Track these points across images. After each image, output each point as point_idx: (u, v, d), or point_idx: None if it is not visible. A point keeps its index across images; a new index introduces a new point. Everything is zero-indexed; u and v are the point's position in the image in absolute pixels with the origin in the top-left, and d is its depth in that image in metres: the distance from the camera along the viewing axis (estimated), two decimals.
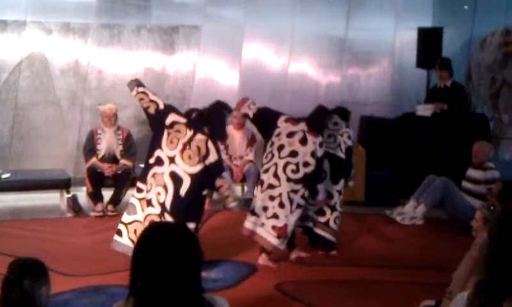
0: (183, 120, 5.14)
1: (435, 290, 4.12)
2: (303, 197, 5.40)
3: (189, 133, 5.05)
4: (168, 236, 2.18)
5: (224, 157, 7.97)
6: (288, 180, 5.34)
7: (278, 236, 5.30)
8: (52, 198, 7.68)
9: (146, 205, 5.03)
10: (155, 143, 5.18)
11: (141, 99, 5.43)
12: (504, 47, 9.18)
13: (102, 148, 7.59)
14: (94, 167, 7.49)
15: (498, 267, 2.22)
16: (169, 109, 5.30)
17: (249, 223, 5.45)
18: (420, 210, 7.02)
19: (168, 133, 5.09)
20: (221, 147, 7.95)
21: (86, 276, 5.08)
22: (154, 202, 4.97)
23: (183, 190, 4.93)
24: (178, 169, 4.97)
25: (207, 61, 9.27)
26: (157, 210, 4.94)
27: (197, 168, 4.98)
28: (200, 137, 5.04)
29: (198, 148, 5.00)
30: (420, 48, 9.01)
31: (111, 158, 7.60)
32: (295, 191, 5.35)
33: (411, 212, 7.07)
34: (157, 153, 5.09)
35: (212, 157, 5.04)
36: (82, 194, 7.67)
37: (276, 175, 5.38)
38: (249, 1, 9.33)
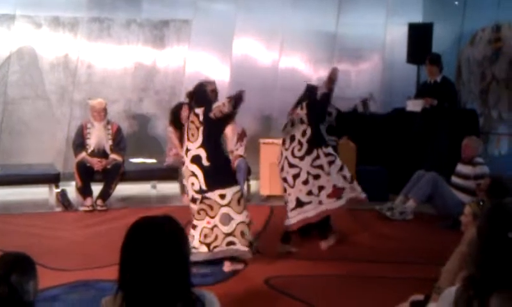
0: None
1: (424, 285, 4.14)
2: (323, 153, 5.72)
3: (189, 119, 5.34)
4: (156, 231, 2.18)
5: None
6: (302, 158, 5.70)
7: (339, 197, 5.68)
8: (41, 193, 7.66)
9: (193, 203, 5.25)
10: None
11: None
12: (494, 43, 9.20)
13: (92, 142, 7.57)
14: (83, 162, 7.46)
15: (486, 261, 2.22)
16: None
17: (300, 215, 5.66)
18: (409, 205, 7.04)
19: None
20: None
21: (74, 271, 5.07)
22: (195, 195, 5.21)
23: (204, 161, 5.16)
24: (192, 152, 5.22)
25: (198, 55, 9.26)
26: (198, 200, 5.17)
27: (200, 136, 5.20)
28: (192, 114, 5.31)
29: (192, 121, 5.27)
30: (411, 44, 9.03)
31: (101, 153, 7.58)
32: (314, 159, 5.69)
33: (400, 207, 7.09)
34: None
35: (201, 112, 5.24)
36: (71, 189, 7.65)
37: (291, 165, 5.74)
38: None
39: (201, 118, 5.23)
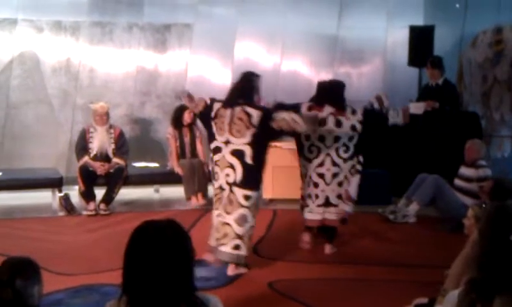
0: (220, 104, 5.32)
1: (428, 288, 4.14)
2: (359, 163, 5.92)
3: (228, 112, 5.20)
4: (160, 235, 2.18)
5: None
6: (345, 160, 5.82)
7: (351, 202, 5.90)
8: (44, 197, 7.66)
9: (219, 191, 5.20)
10: (210, 138, 5.37)
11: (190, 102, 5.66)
12: (495, 45, 9.20)
13: (94, 146, 7.57)
14: (86, 166, 7.47)
15: (489, 264, 2.22)
16: (213, 100, 5.45)
17: (324, 214, 5.81)
18: (412, 208, 7.03)
19: (215, 123, 5.26)
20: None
21: (78, 275, 5.07)
22: (224, 185, 5.17)
23: (248, 159, 5.12)
24: (235, 146, 5.14)
25: (199, 59, 9.27)
26: (226, 191, 5.15)
27: (248, 135, 5.12)
28: (237, 109, 5.17)
29: (240, 119, 5.14)
30: (412, 47, 9.02)
31: (103, 157, 7.59)
32: (353, 165, 5.87)
33: (403, 210, 7.08)
34: (213, 145, 5.28)
35: (256, 115, 5.13)
36: (74, 193, 7.65)
37: (334, 163, 5.77)
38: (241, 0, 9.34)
39: (254, 120, 5.11)
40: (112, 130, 7.71)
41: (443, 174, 7.18)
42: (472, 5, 9.81)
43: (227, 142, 5.17)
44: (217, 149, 5.23)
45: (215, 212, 5.26)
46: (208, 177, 7.80)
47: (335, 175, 5.78)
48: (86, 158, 7.51)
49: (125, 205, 7.85)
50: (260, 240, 6.10)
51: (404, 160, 8.34)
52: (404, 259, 5.68)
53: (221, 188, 5.20)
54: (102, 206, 7.35)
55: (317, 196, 5.82)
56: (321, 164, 5.79)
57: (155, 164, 8.46)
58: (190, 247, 2.25)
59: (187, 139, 8.08)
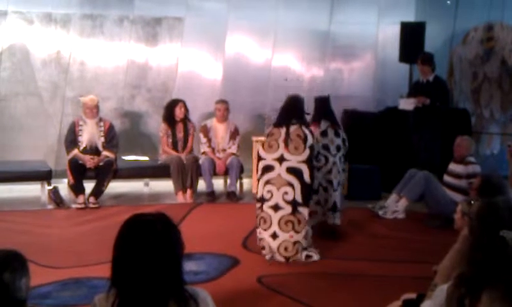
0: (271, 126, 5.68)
1: (416, 283, 4.15)
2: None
3: (283, 130, 5.45)
4: (149, 228, 2.18)
5: (206, 149, 7.99)
6: (344, 170, 6.52)
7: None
8: (33, 190, 7.63)
9: (273, 211, 5.35)
10: (258, 159, 5.61)
11: None
12: (486, 42, 9.24)
13: (84, 139, 7.54)
14: (75, 159, 7.43)
15: (477, 259, 2.24)
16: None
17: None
18: (401, 203, 7.06)
19: (264, 143, 5.57)
20: (204, 140, 7.99)
21: (66, 268, 5.06)
22: (281, 203, 5.33)
23: (306, 178, 5.35)
24: (291, 163, 5.36)
25: (190, 53, 9.23)
26: (287, 209, 5.32)
27: (306, 153, 5.38)
28: (293, 128, 5.45)
29: (298, 136, 5.41)
30: (403, 43, 9.03)
31: (93, 150, 7.56)
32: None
33: (393, 205, 7.11)
34: (261, 164, 5.50)
35: (310, 138, 5.46)
36: (63, 186, 7.62)
37: (339, 172, 6.23)
38: None
39: (308, 142, 5.40)
40: (102, 123, 7.68)
41: (433, 170, 7.21)
42: (463, 2, 9.85)
43: (281, 159, 5.37)
44: (268, 168, 5.42)
45: (284, 235, 5.35)
46: (200, 173, 7.84)
47: (338, 183, 6.21)
48: (75, 151, 7.48)
49: (114, 199, 7.83)
50: (249, 234, 6.10)
51: (394, 156, 8.38)
52: (393, 255, 5.70)
53: (276, 208, 5.33)
54: (92, 199, 7.33)
55: (326, 201, 6.16)
56: (329, 172, 6.15)
57: (145, 158, 8.44)
58: (179, 240, 2.24)
59: (180, 135, 8.06)
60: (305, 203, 5.35)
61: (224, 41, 9.33)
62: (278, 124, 5.55)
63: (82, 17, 8.69)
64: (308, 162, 5.38)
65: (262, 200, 5.40)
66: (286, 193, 5.31)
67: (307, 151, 5.38)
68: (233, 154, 8.06)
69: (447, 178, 6.97)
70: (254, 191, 7.99)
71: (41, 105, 8.61)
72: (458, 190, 6.70)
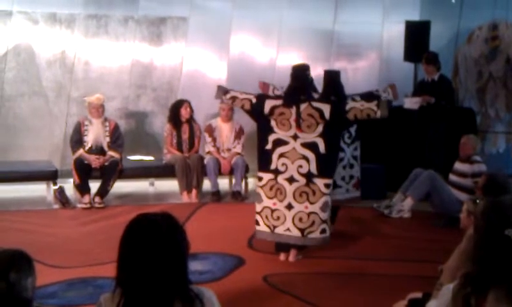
0: (279, 102, 5.44)
1: (422, 283, 4.15)
2: (359, 147, 6.39)
3: (293, 109, 5.33)
4: (154, 228, 2.18)
5: (211, 149, 7.99)
6: (349, 145, 6.26)
7: (357, 189, 6.36)
8: (39, 190, 7.65)
9: (288, 183, 5.31)
10: (265, 130, 5.46)
11: (233, 103, 5.87)
12: (491, 41, 9.21)
13: (89, 139, 7.56)
14: (81, 159, 7.45)
15: (483, 258, 2.23)
16: (262, 97, 5.64)
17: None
18: (407, 203, 7.04)
19: (274, 119, 5.40)
20: (209, 139, 7.99)
21: (72, 268, 5.07)
22: (296, 176, 5.30)
23: (322, 149, 5.29)
24: (306, 140, 5.32)
25: (195, 52, 9.24)
26: (301, 181, 5.29)
27: (320, 129, 5.30)
28: (303, 106, 5.32)
29: (310, 115, 5.30)
30: (408, 42, 9.02)
31: (98, 150, 7.57)
32: (355, 149, 6.36)
33: (398, 205, 7.09)
34: (272, 137, 5.39)
35: (325, 109, 5.29)
36: (69, 186, 7.63)
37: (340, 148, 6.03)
38: None
39: (326, 115, 5.26)
40: (107, 123, 7.70)
41: (439, 169, 7.19)
42: (467, 1, 9.82)
43: (295, 137, 5.33)
44: (281, 142, 5.36)
45: (268, 201, 5.37)
46: (205, 173, 7.85)
47: (340, 160, 5.98)
48: (80, 151, 7.49)
49: (119, 198, 7.84)
50: (255, 233, 6.10)
51: (399, 155, 8.35)
52: (398, 254, 5.69)
53: (291, 180, 5.30)
54: (97, 199, 7.34)
55: (351, 177, 6.19)
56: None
57: (150, 158, 8.45)
58: (185, 240, 2.25)
59: (185, 136, 8.07)
60: (320, 174, 5.29)
61: (228, 41, 9.34)
62: (287, 103, 5.39)
63: (87, 17, 8.70)
64: (324, 134, 5.29)
65: (276, 172, 5.37)
66: (300, 166, 5.30)
67: (320, 126, 5.27)
68: (238, 154, 8.06)
69: (452, 177, 6.95)
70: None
71: (46, 105, 8.63)
72: (463, 189, 6.69)
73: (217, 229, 6.41)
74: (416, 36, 8.89)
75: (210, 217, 6.98)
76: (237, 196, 7.87)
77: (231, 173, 8.03)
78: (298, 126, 5.29)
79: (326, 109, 5.27)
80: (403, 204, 7.06)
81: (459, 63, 9.55)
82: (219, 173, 7.92)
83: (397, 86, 9.19)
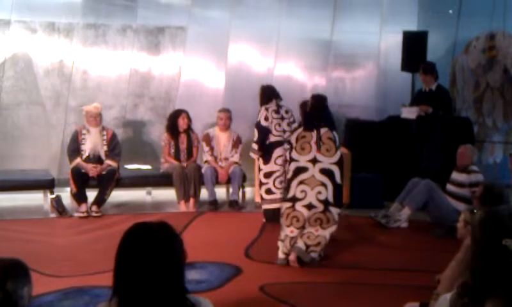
0: (300, 129, 5.84)
1: (419, 292, 4.15)
2: None
3: (314, 133, 5.71)
4: (151, 237, 2.18)
5: (209, 158, 7.99)
6: None
7: None
8: (36, 199, 7.63)
9: (307, 210, 5.57)
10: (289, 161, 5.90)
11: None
12: (488, 51, 9.25)
13: (87, 148, 7.55)
14: (78, 168, 7.44)
15: (480, 268, 2.24)
16: (290, 142, 6.05)
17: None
18: (404, 212, 7.04)
19: (295, 146, 5.76)
20: (207, 148, 8.00)
21: (69, 277, 5.06)
22: (315, 202, 5.58)
23: (338, 179, 5.65)
24: (324, 165, 5.63)
25: (193, 62, 9.25)
26: (319, 208, 5.56)
27: (338, 155, 5.70)
28: (323, 130, 5.72)
29: (329, 138, 5.70)
30: (405, 52, 9.05)
31: (96, 159, 7.56)
32: None
33: (395, 214, 7.09)
34: (294, 165, 5.71)
35: (337, 141, 5.77)
36: (66, 195, 7.62)
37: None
38: (235, 3, 9.33)
39: (339, 144, 5.77)
40: (104, 132, 7.69)
41: (436, 179, 7.20)
42: (465, 11, 9.86)
43: (314, 161, 5.62)
44: (302, 170, 5.64)
45: (287, 229, 5.57)
46: (203, 182, 7.84)
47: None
48: (78, 160, 7.49)
49: (117, 207, 7.83)
50: (252, 243, 6.11)
51: (396, 165, 8.36)
52: (395, 264, 5.69)
53: (310, 207, 5.55)
54: (94, 208, 7.33)
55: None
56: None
57: (148, 167, 8.45)
58: (181, 249, 2.24)
59: (183, 146, 8.07)
60: (336, 203, 5.62)
61: (226, 50, 9.35)
62: (308, 127, 5.75)
63: (85, 26, 8.71)
64: (339, 163, 5.66)
65: (294, 200, 5.59)
66: (319, 192, 5.56)
67: (338, 154, 5.67)
68: (236, 163, 8.06)
69: (449, 186, 6.96)
70: (256, 200, 8.00)
71: (44, 114, 8.62)
72: (461, 199, 6.69)
73: (214, 238, 6.40)
74: (414, 46, 8.92)
75: (207, 226, 6.98)
76: (234, 205, 7.87)
77: (228, 182, 8.03)
78: (318, 148, 5.59)
79: (337, 141, 5.77)
80: (400, 214, 7.05)
81: (457, 73, 9.58)
82: (217, 182, 7.92)
83: (395, 96, 9.27)
